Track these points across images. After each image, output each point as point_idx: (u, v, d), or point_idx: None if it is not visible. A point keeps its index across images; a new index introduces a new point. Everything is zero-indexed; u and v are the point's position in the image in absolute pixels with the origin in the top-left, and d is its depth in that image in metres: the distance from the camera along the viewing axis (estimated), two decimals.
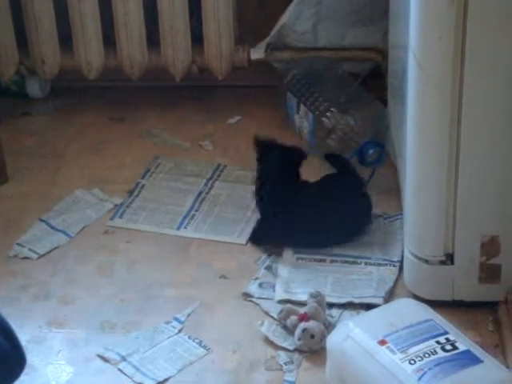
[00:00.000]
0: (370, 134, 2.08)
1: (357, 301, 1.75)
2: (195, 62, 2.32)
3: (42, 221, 2.01)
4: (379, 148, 2.05)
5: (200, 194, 2.08)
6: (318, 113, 2.11)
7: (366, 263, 1.84)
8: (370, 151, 2.05)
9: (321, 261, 1.86)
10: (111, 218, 2.01)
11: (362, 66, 2.32)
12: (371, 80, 2.32)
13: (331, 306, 1.74)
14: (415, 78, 1.57)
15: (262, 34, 2.31)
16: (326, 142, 2.10)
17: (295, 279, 1.82)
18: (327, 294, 1.76)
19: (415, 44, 1.54)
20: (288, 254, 1.88)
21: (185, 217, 2.01)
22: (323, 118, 2.10)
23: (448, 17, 1.48)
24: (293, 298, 1.77)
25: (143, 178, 2.14)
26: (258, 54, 2.30)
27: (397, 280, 1.79)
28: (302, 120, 2.16)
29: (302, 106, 2.16)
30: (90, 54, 2.30)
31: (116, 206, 2.05)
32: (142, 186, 2.11)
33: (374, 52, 2.29)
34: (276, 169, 1.91)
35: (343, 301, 1.75)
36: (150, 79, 2.38)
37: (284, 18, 2.26)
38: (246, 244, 1.92)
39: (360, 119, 2.09)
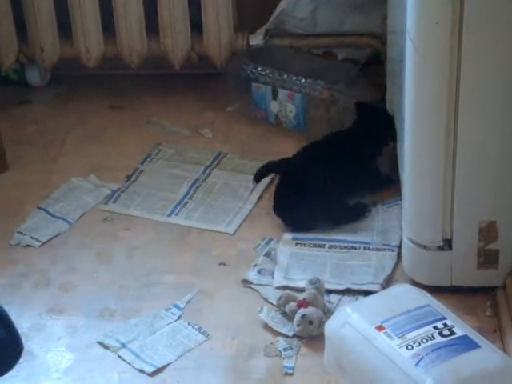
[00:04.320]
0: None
1: (355, 287, 1.75)
2: (194, 50, 2.32)
3: (40, 208, 2.01)
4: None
5: (196, 181, 2.08)
6: (307, 90, 2.11)
7: (364, 248, 1.85)
8: None
9: (319, 246, 1.87)
10: (105, 203, 2.03)
11: (361, 53, 2.32)
12: (370, 66, 2.31)
13: (330, 292, 1.75)
14: (413, 64, 1.57)
15: (261, 20, 2.30)
16: (326, 117, 2.09)
17: (294, 265, 1.82)
18: (326, 280, 1.76)
19: (412, 29, 1.54)
20: (287, 238, 1.89)
21: (178, 204, 2.01)
22: (316, 93, 2.10)
23: (445, 2, 1.48)
24: (291, 284, 1.77)
25: (143, 163, 2.14)
26: (257, 40, 2.30)
27: (395, 266, 1.80)
28: (285, 105, 2.16)
29: (280, 90, 2.16)
30: (89, 42, 2.30)
31: (113, 191, 2.05)
32: (141, 172, 2.12)
33: (373, 38, 2.28)
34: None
35: (341, 287, 1.76)
36: (150, 67, 2.38)
37: (283, 4, 2.26)
38: (234, 234, 1.92)
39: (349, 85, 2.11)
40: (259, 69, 2.21)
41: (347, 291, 1.75)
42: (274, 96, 2.18)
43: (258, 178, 1.97)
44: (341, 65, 2.26)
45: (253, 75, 2.21)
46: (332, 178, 1.88)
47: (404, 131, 1.68)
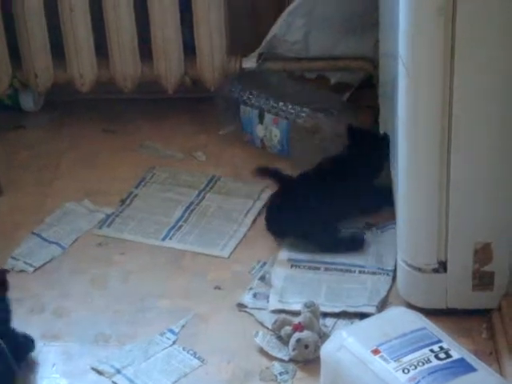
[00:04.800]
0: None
1: (350, 310, 1.75)
2: (188, 74, 2.32)
3: (34, 234, 2.01)
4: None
5: (190, 204, 2.08)
6: (292, 117, 2.13)
7: (360, 271, 1.85)
8: None
9: (315, 268, 1.86)
10: (99, 227, 2.03)
11: (353, 76, 2.33)
12: (363, 89, 2.33)
13: (325, 315, 1.74)
14: (405, 87, 1.58)
15: (254, 44, 2.31)
16: (309, 144, 2.11)
17: (289, 288, 1.82)
18: (321, 303, 1.76)
19: (404, 53, 1.55)
20: (282, 259, 1.89)
21: (172, 227, 2.01)
22: (300, 120, 2.11)
23: (437, 26, 1.48)
24: (287, 307, 1.77)
25: (137, 187, 2.14)
26: (249, 64, 2.31)
27: (390, 289, 1.79)
28: (270, 129, 2.17)
29: (267, 115, 2.17)
30: (83, 68, 2.31)
31: (108, 216, 2.05)
32: (135, 196, 2.12)
33: (366, 61, 2.29)
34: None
35: (337, 310, 1.75)
36: (143, 91, 2.38)
37: (275, 29, 2.27)
38: (229, 257, 1.92)
39: (334, 114, 2.12)
40: (247, 92, 2.22)
41: (343, 314, 1.74)
42: (261, 120, 2.20)
43: (260, 172, 1.97)
44: (329, 93, 2.27)
45: (241, 98, 2.22)
46: (327, 202, 1.88)
47: (397, 154, 1.68)
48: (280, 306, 1.77)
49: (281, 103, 2.17)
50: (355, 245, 1.90)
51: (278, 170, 2.02)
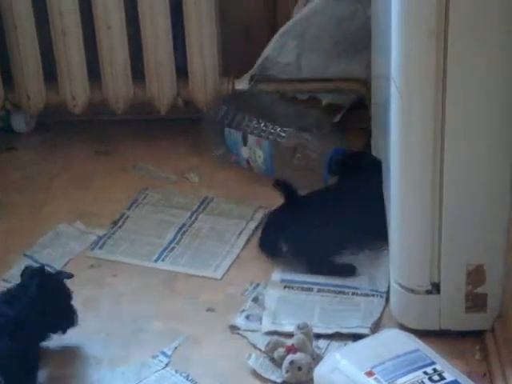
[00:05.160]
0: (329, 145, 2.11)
1: (344, 331, 1.74)
2: (180, 95, 2.33)
3: (26, 256, 2.00)
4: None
5: (183, 226, 2.08)
6: (274, 137, 2.14)
7: (353, 293, 1.84)
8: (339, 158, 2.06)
9: (308, 289, 1.86)
10: (92, 249, 2.02)
11: (345, 97, 2.34)
12: (355, 111, 2.33)
13: (318, 336, 1.74)
14: (397, 109, 1.58)
15: (247, 65, 2.32)
16: (292, 164, 2.11)
17: (282, 310, 1.81)
18: (314, 324, 1.75)
19: (396, 75, 1.55)
20: (275, 280, 1.88)
21: (164, 249, 2.01)
22: (281, 140, 2.12)
23: (428, 47, 1.49)
24: (280, 329, 1.76)
25: (129, 209, 2.14)
26: (242, 85, 2.32)
27: (383, 311, 1.79)
28: (254, 150, 2.18)
29: (250, 136, 2.18)
30: (75, 90, 2.31)
31: (100, 237, 2.05)
32: (127, 217, 2.12)
33: (358, 83, 2.30)
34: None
35: (330, 331, 1.75)
36: (135, 113, 2.39)
37: (268, 50, 2.28)
38: (221, 279, 1.92)
39: (316, 133, 2.13)
40: (231, 114, 2.22)
41: (336, 335, 1.74)
42: (244, 142, 2.21)
43: (278, 184, 1.96)
44: (317, 113, 2.27)
45: (226, 121, 2.23)
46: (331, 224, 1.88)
47: (390, 176, 1.68)
48: (273, 328, 1.77)
49: (262, 124, 2.18)
50: (346, 271, 1.89)
51: (292, 187, 1.96)
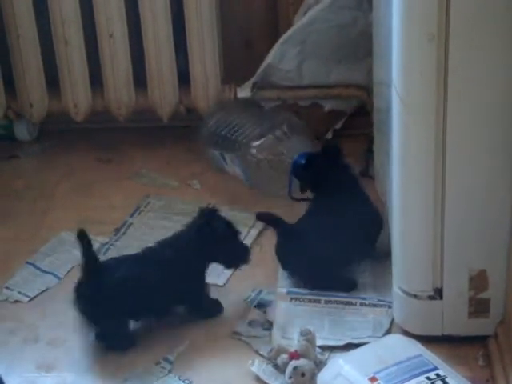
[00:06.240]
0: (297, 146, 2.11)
1: (356, 341, 1.72)
2: (182, 103, 2.33)
3: (29, 263, 2.00)
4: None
5: None
6: (244, 152, 2.16)
7: (361, 304, 1.82)
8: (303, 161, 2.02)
9: (315, 301, 1.84)
10: None
11: (347, 104, 2.34)
12: (357, 117, 2.34)
13: (333, 348, 1.71)
14: (399, 115, 1.58)
15: (249, 72, 2.33)
16: (266, 173, 2.13)
17: (291, 323, 1.79)
18: (325, 337, 1.73)
19: (397, 80, 1.56)
20: (281, 292, 1.87)
21: None
22: (251, 156, 2.14)
23: (429, 53, 1.49)
24: (290, 343, 1.72)
25: (131, 216, 2.14)
26: (244, 93, 2.32)
27: (393, 320, 1.77)
28: (233, 167, 2.21)
29: (226, 155, 2.21)
30: (77, 97, 2.32)
31: (102, 245, 2.05)
32: (130, 225, 2.12)
33: (359, 89, 2.31)
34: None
35: (342, 343, 1.73)
36: (137, 120, 2.39)
37: (269, 58, 2.29)
38: (224, 285, 1.91)
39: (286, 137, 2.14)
40: (211, 129, 2.23)
41: (348, 346, 1.71)
42: (224, 160, 2.23)
43: (261, 217, 1.95)
44: (285, 114, 2.26)
45: (208, 140, 2.24)
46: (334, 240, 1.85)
47: (392, 182, 1.68)
48: (284, 342, 1.73)
49: (233, 136, 2.18)
50: (347, 286, 1.87)
51: (276, 216, 1.91)
